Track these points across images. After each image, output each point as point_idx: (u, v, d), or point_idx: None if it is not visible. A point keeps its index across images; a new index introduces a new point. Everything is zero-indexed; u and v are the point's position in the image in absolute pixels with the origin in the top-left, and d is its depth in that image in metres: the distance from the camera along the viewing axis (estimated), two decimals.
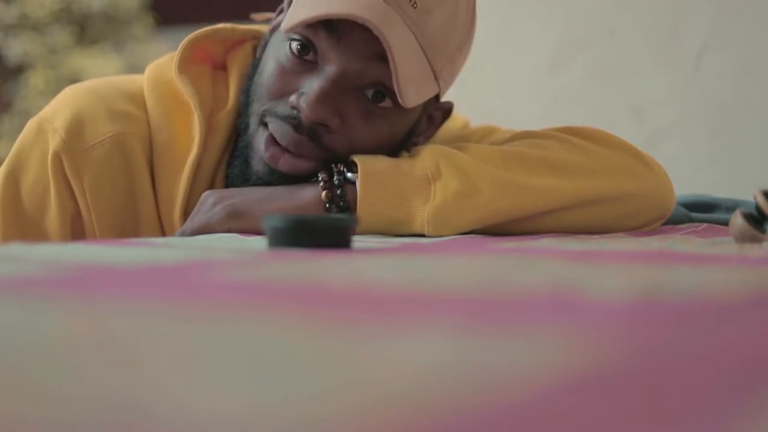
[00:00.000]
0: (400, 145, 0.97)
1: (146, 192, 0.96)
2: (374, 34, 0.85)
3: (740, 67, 1.97)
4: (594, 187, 0.94)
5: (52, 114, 0.96)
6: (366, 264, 0.57)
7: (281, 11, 1.01)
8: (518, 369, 0.25)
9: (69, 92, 0.99)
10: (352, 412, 0.20)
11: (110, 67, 7.19)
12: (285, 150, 0.90)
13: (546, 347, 0.29)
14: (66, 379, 0.23)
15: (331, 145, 0.90)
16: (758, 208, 0.78)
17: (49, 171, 0.94)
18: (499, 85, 2.20)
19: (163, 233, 0.97)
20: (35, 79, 7.08)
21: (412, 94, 0.89)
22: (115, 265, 0.54)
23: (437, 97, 0.98)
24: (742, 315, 0.38)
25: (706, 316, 0.37)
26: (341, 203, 0.89)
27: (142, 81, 1.01)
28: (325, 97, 0.87)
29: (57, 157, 0.93)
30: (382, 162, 0.90)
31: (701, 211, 1.27)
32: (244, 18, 1.15)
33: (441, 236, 0.88)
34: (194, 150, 0.94)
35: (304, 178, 0.91)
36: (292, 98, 0.89)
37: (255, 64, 0.97)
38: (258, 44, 1.02)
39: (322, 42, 0.89)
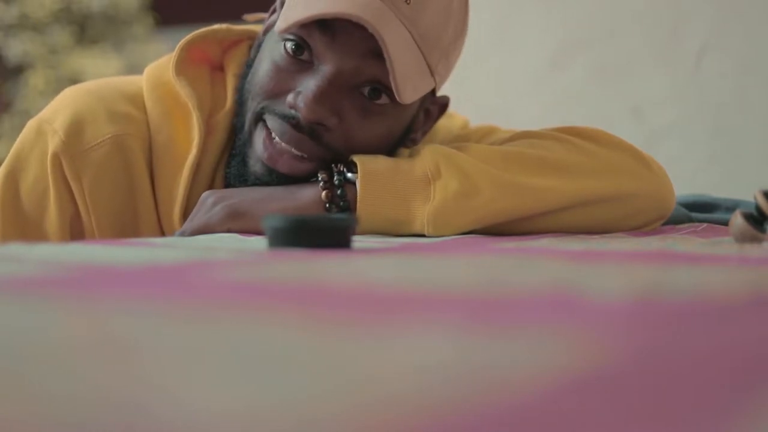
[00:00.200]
0: (398, 141, 0.97)
1: (146, 193, 0.96)
2: (368, 32, 0.85)
3: (740, 67, 1.97)
4: (594, 187, 0.94)
5: (52, 115, 0.96)
6: (366, 264, 0.57)
7: (274, 11, 1.01)
8: (518, 369, 0.25)
9: (69, 93, 0.99)
10: (352, 412, 0.20)
11: (110, 67, 7.19)
12: (284, 151, 0.90)
13: (546, 347, 0.29)
14: (66, 379, 0.23)
15: (330, 143, 0.90)
16: (758, 208, 0.78)
17: (49, 172, 0.94)
18: (498, 85, 2.20)
19: (163, 234, 0.97)
20: (35, 79, 7.09)
21: (408, 90, 0.89)
22: (115, 265, 0.54)
23: (433, 91, 0.98)
24: (742, 315, 0.38)
25: (706, 316, 0.37)
26: (341, 203, 0.89)
27: (141, 82, 1.01)
28: (322, 96, 0.87)
29: (56, 158, 0.93)
30: (381, 162, 0.90)
31: (701, 211, 1.27)
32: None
33: (441, 236, 0.88)
34: (193, 151, 0.94)
35: (304, 178, 0.91)
36: (290, 98, 0.89)
37: (249, 64, 0.97)
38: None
39: (316, 41, 0.89)
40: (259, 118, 0.92)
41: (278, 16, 0.98)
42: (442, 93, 1.04)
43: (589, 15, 2.11)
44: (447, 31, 0.93)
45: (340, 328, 0.32)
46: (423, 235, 0.89)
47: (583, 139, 0.97)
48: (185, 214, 0.95)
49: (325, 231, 0.68)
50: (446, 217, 0.87)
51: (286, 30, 0.88)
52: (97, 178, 0.94)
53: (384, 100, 0.91)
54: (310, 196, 0.89)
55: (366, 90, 0.90)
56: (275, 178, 0.91)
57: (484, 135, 1.09)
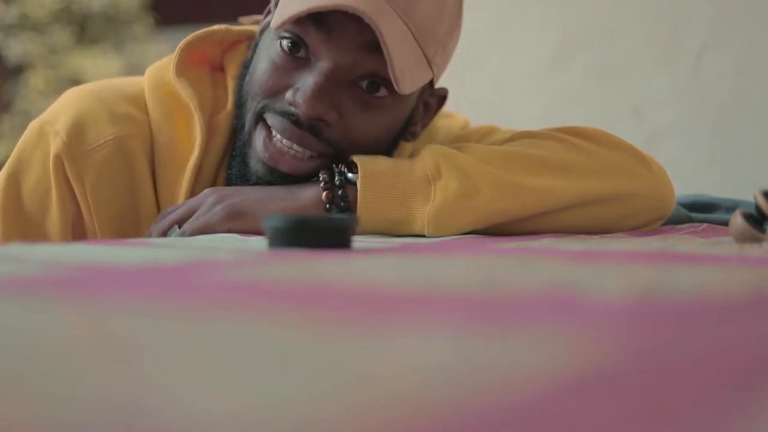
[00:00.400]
0: (399, 134, 0.97)
1: (147, 194, 0.96)
2: (364, 25, 0.86)
3: (740, 67, 1.97)
4: (594, 187, 0.94)
5: (54, 116, 0.96)
6: (366, 264, 0.57)
7: (269, 12, 1.01)
8: (518, 369, 0.25)
9: (71, 94, 1.00)
10: (352, 412, 0.20)
11: (110, 67, 7.19)
12: (285, 150, 0.90)
13: (546, 347, 0.29)
14: (66, 379, 0.23)
15: (331, 138, 0.90)
16: (758, 208, 0.78)
17: (51, 173, 0.94)
18: (498, 85, 2.20)
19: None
20: (35, 79, 7.08)
21: (407, 81, 0.89)
22: (115, 265, 0.54)
23: (431, 83, 0.98)
24: (742, 315, 0.38)
25: (706, 316, 0.37)
26: (342, 203, 0.89)
27: (143, 83, 1.01)
28: (320, 92, 0.88)
29: (58, 159, 0.93)
30: (382, 162, 0.90)
31: (701, 211, 1.27)
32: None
33: (441, 237, 0.88)
34: (195, 152, 0.94)
35: (305, 178, 0.91)
36: (288, 94, 0.89)
37: (246, 65, 0.97)
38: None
39: (312, 38, 0.89)
40: (259, 118, 0.92)
41: (273, 16, 0.98)
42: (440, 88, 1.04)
43: (589, 15, 2.11)
44: (442, 22, 0.93)
45: (340, 328, 0.32)
46: (423, 236, 0.89)
47: (583, 139, 0.97)
48: None
49: (325, 231, 0.68)
50: (446, 217, 0.87)
51: (283, 24, 0.88)
52: (98, 178, 0.94)
53: (383, 92, 0.91)
54: (310, 196, 0.89)
55: (364, 84, 0.90)
56: (277, 177, 0.91)
57: (485, 135, 1.09)
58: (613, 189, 0.95)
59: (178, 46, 0.98)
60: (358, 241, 0.78)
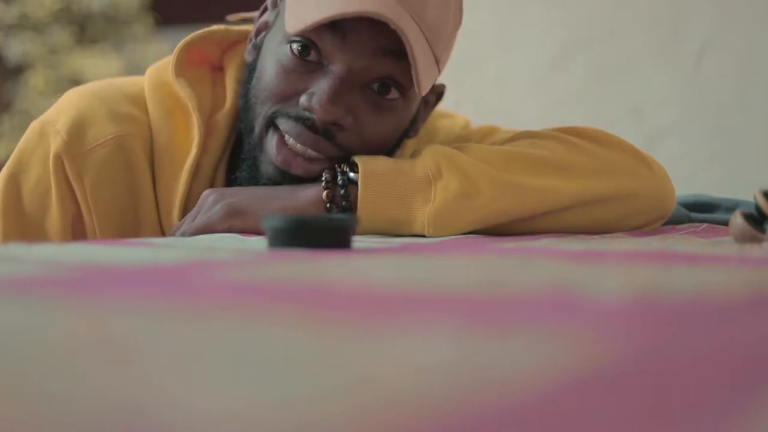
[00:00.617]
0: (403, 134, 0.98)
1: (147, 193, 0.96)
2: (378, 28, 0.86)
3: (740, 67, 1.97)
4: (594, 187, 0.94)
5: (55, 116, 0.96)
6: (366, 264, 0.57)
7: (265, 10, 1.00)
8: (518, 369, 0.25)
9: (72, 95, 1.00)
10: (352, 412, 0.20)
11: (110, 67, 7.19)
12: (298, 153, 0.90)
13: (546, 347, 0.29)
14: (66, 379, 0.23)
15: (344, 142, 0.90)
16: (758, 208, 0.78)
17: (51, 173, 0.94)
18: (499, 85, 2.20)
19: (163, 234, 0.97)
20: (35, 79, 7.08)
21: (425, 83, 0.89)
22: (115, 265, 0.54)
23: None
24: (742, 315, 0.38)
25: (706, 316, 0.37)
26: (344, 203, 0.89)
27: (143, 83, 1.01)
28: (336, 96, 0.87)
29: (58, 158, 0.93)
30: (382, 162, 0.90)
31: (701, 211, 1.27)
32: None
33: (441, 237, 0.88)
34: (193, 151, 0.94)
35: (310, 179, 0.91)
36: (303, 100, 0.89)
37: (250, 68, 0.97)
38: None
39: (325, 42, 0.89)
40: (270, 123, 0.92)
41: (272, 16, 0.97)
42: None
43: (589, 15, 2.11)
44: (448, 21, 0.93)
45: (340, 328, 0.32)
46: (423, 236, 0.89)
47: (584, 139, 0.97)
48: (184, 214, 0.95)
49: (325, 231, 0.68)
50: (447, 217, 0.87)
51: (303, 31, 0.87)
52: (98, 178, 0.94)
53: (394, 94, 0.91)
54: (310, 195, 0.89)
55: (376, 86, 0.90)
56: (288, 180, 0.91)
57: (485, 135, 1.09)
58: (614, 189, 0.95)
59: (177, 47, 0.98)
60: (358, 241, 0.78)
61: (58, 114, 0.96)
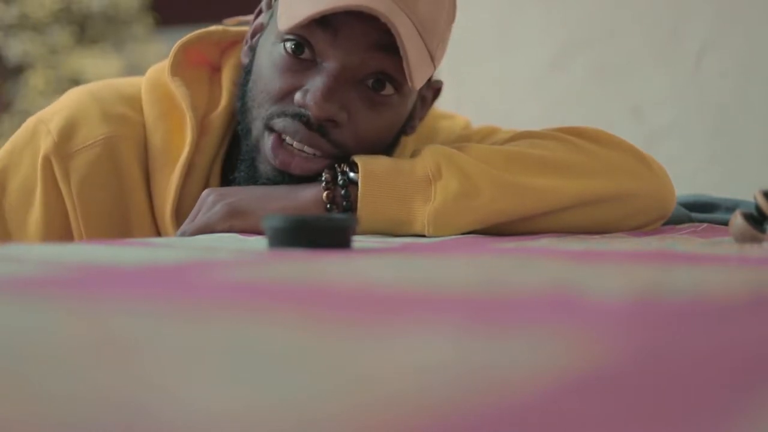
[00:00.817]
0: (400, 131, 0.98)
1: (138, 195, 0.96)
2: (370, 24, 0.86)
3: (740, 67, 1.97)
4: (594, 187, 0.94)
5: (50, 115, 0.97)
6: (366, 264, 0.57)
7: (260, 12, 1.01)
8: (518, 369, 0.25)
9: (71, 93, 1.01)
10: (352, 412, 0.20)
11: (110, 67, 7.20)
12: (295, 153, 0.90)
13: (546, 347, 0.29)
14: (66, 379, 0.23)
15: (338, 139, 0.91)
16: (758, 208, 0.78)
17: (38, 172, 0.95)
18: (499, 85, 2.20)
19: (159, 234, 0.97)
20: (35, 79, 7.09)
21: (418, 77, 0.89)
22: (115, 265, 0.54)
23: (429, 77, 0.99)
24: (742, 315, 0.38)
25: (706, 316, 0.37)
26: (344, 203, 0.89)
27: (142, 83, 1.01)
28: (330, 93, 0.88)
29: (47, 159, 0.95)
30: (382, 162, 0.90)
31: (701, 211, 1.27)
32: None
33: (441, 236, 0.88)
34: (186, 149, 0.95)
35: (309, 178, 0.91)
36: (297, 97, 0.89)
37: (246, 70, 0.97)
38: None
39: (318, 39, 0.89)
40: (267, 126, 0.92)
41: (266, 18, 0.98)
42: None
43: (589, 15, 2.11)
44: (442, 16, 0.93)
45: (340, 328, 0.32)
46: (423, 236, 0.89)
47: (584, 139, 0.97)
48: (178, 213, 0.95)
49: (325, 231, 0.68)
50: (447, 217, 0.87)
51: (294, 27, 0.87)
52: (85, 178, 0.94)
53: (389, 90, 0.91)
54: (310, 195, 0.89)
55: (370, 82, 0.91)
56: (287, 179, 0.91)
57: (486, 136, 1.09)
58: (614, 189, 0.95)
59: (174, 47, 0.99)
60: (358, 241, 0.78)
61: (53, 113, 0.97)
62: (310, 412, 0.20)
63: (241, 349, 0.28)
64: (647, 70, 2.05)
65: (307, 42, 0.90)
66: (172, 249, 0.65)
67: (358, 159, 0.90)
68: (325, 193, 0.89)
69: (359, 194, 0.88)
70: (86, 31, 7.45)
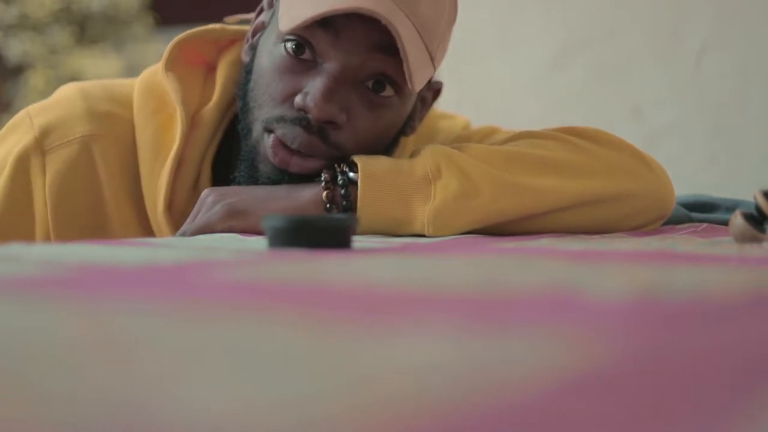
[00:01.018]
0: (399, 132, 0.98)
1: (120, 194, 0.96)
2: (371, 25, 0.86)
3: (740, 67, 1.97)
4: (594, 187, 0.94)
5: (39, 110, 0.99)
6: (366, 264, 0.57)
7: (261, 11, 1.01)
8: (518, 369, 0.25)
9: (63, 90, 1.03)
10: (352, 412, 0.20)
11: (110, 67, 7.20)
12: (293, 152, 0.90)
13: (546, 347, 0.29)
14: (66, 379, 0.23)
15: (338, 141, 0.90)
16: (758, 208, 0.78)
17: (13, 164, 0.95)
18: (499, 85, 2.20)
19: (151, 231, 0.97)
20: (35, 79, 7.08)
21: (418, 79, 0.89)
22: (115, 265, 0.54)
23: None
24: (742, 315, 0.38)
25: (706, 316, 0.37)
26: (344, 203, 0.89)
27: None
28: (330, 94, 0.88)
29: (25, 153, 0.95)
30: (382, 162, 0.90)
31: (701, 211, 1.27)
32: None
33: (441, 236, 0.88)
34: (176, 143, 0.95)
35: (309, 178, 0.91)
36: (297, 99, 0.89)
37: (247, 69, 0.97)
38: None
39: (319, 40, 0.89)
40: (266, 128, 0.92)
41: (267, 17, 0.98)
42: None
43: (590, 15, 2.11)
44: (443, 17, 0.93)
45: (340, 328, 0.32)
46: (423, 235, 0.89)
47: (584, 139, 0.98)
48: (170, 208, 0.95)
49: (325, 231, 0.68)
50: (446, 217, 0.87)
51: (296, 28, 0.87)
52: (60, 174, 0.95)
53: (389, 92, 0.91)
54: (310, 195, 0.89)
55: (370, 83, 0.91)
56: (287, 179, 0.91)
57: (486, 136, 1.09)
58: (614, 189, 0.95)
59: (170, 44, 0.99)
60: (358, 241, 0.78)
61: (42, 108, 0.99)
62: (310, 412, 0.20)
63: (241, 349, 0.28)
64: (647, 70, 2.05)
65: (307, 43, 0.89)
66: (172, 249, 0.65)
67: (358, 159, 0.90)
68: (324, 193, 0.89)
69: (359, 194, 0.88)
70: (86, 31, 7.45)
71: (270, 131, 0.91)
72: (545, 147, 0.95)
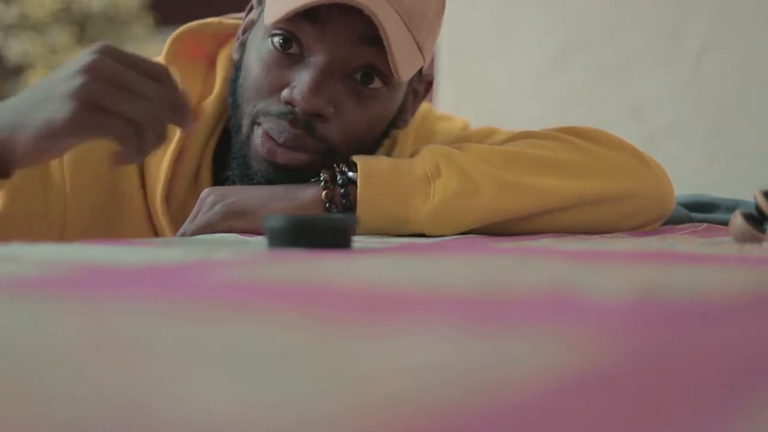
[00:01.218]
0: (390, 125, 0.98)
1: (131, 179, 0.97)
2: (356, 17, 0.86)
3: (740, 67, 1.97)
4: (594, 187, 0.94)
5: None
6: (366, 264, 0.57)
7: (251, 9, 1.01)
8: (518, 369, 0.25)
9: None
10: (352, 412, 0.20)
11: None
12: (280, 144, 0.91)
13: (546, 347, 0.29)
14: (66, 379, 0.23)
15: (324, 134, 0.91)
16: (758, 208, 0.78)
17: None
18: (499, 85, 2.20)
19: (151, 221, 0.98)
20: (35, 79, 7.08)
21: (405, 70, 0.89)
22: (115, 265, 0.54)
23: (419, 70, 0.99)
24: (742, 315, 0.38)
25: (706, 316, 0.37)
26: (344, 203, 0.89)
27: None
28: (317, 87, 0.88)
29: None
30: (382, 161, 0.90)
31: (701, 211, 1.27)
32: None
33: (441, 236, 0.88)
34: (177, 134, 0.95)
35: (307, 177, 0.91)
36: (284, 93, 0.90)
37: (237, 66, 0.97)
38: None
39: (305, 33, 0.89)
40: (254, 122, 0.92)
41: (257, 14, 0.98)
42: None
43: (589, 15, 2.11)
44: (431, 7, 0.93)
45: (340, 328, 0.32)
46: (423, 235, 0.89)
47: (584, 139, 0.98)
48: (169, 197, 0.96)
49: (325, 231, 0.68)
50: (446, 216, 0.88)
51: (279, 21, 0.88)
52: (79, 155, 0.94)
53: (377, 84, 0.92)
54: (310, 195, 0.89)
55: (358, 76, 0.91)
56: (280, 173, 0.91)
57: (485, 137, 1.09)
58: (614, 189, 0.95)
59: (170, 38, 1.00)
60: (358, 241, 0.78)
61: None
62: (310, 412, 0.20)
63: (241, 349, 0.28)
64: (647, 70, 2.05)
65: (294, 36, 0.90)
66: (172, 249, 0.65)
67: (358, 158, 0.90)
68: (324, 193, 0.89)
69: (358, 193, 0.88)
70: (86, 31, 7.45)
71: (258, 124, 0.91)
72: (545, 147, 0.95)
